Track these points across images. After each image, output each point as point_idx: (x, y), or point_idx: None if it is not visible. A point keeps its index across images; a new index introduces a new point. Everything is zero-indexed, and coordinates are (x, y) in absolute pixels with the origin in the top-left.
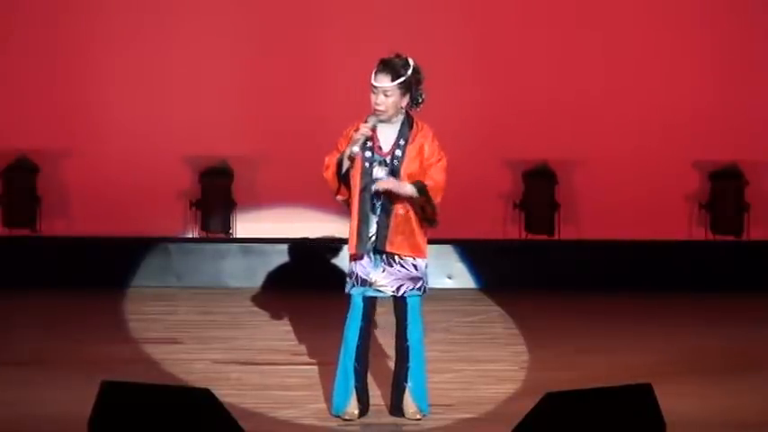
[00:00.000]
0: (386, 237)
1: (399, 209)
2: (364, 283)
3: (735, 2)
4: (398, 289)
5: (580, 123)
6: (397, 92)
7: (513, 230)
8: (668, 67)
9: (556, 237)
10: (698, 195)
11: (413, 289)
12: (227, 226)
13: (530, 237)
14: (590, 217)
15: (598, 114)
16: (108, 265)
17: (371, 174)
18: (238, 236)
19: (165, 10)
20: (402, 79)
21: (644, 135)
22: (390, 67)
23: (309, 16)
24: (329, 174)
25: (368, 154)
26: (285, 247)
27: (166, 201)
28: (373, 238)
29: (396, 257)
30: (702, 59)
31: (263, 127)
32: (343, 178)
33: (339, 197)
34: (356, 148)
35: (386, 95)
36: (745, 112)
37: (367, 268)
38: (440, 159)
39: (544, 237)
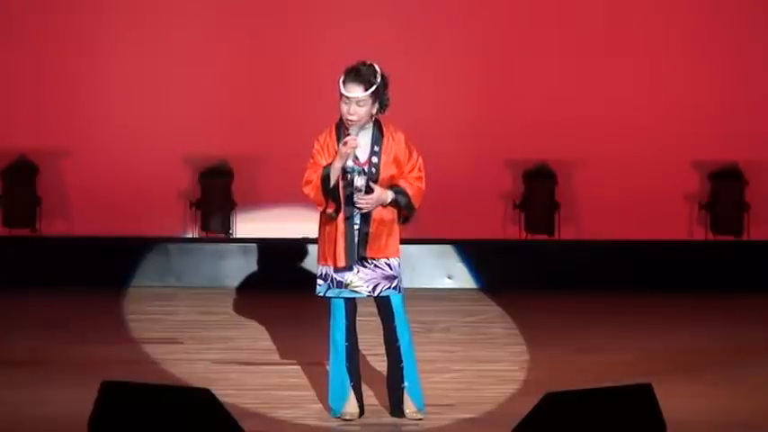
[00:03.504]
0: (365, 242)
1: (377, 213)
2: (339, 284)
3: (735, 2)
4: (374, 289)
5: (580, 123)
6: (369, 101)
7: (513, 230)
8: (668, 68)
9: (556, 237)
10: (698, 195)
11: (389, 288)
12: (226, 226)
13: (530, 237)
14: (590, 217)
15: (598, 114)
16: (108, 265)
17: (353, 184)
18: (238, 236)
19: (164, 10)
20: (374, 88)
21: (644, 135)
22: (361, 76)
23: (310, 16)
24: (312, 188)
25: (348, 164)
26: (285, 247)
27: (166, 201)
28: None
29: (368, 260)
30: (702, 59)
31: (263, 127)
32: (332, 191)
33: (329, 210)
34: (350, 162)
35: (358, 105)
36: (746, 112)
37: (335, 271)
38: (416, 162)
39: (544, 237)
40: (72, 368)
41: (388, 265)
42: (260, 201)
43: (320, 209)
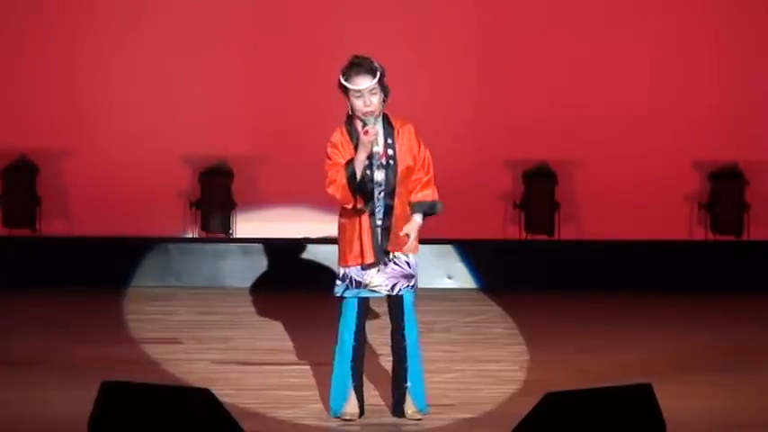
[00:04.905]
0: (388, 237)
1: (397, 209)
2: (359, 284)
3: (735, 2)
4: (393, 288)
5: (580, 123)
6: (378, 88)
7: (513, 230)
8: (668, 67)
9: (556, 237)
10: (698, 195)
11: (407, 287)
12: (226, 226)
13: (530, 237)
14: (590, 217)
15: (598, 114)
16: (108, 265)
17: (373, 179)
18: (238, 236)
19: (164, 10)
20: (379, 74)
21: (644, 135)
22: (365, 66)
23: (310, 16)
24: (338, 187)
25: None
26: (285, 247)
27: (166, 201)
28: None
29: (389, 255)
30: (703, 59)
31: (263, 127)
32: (360, 185)
33: (358, 206)
34: (377, 149)
35: (372, 94)
36: (746, 112)
37: (361, 269)
38: (424, 158)
39: (544, 237)
40: (72, 368)
41: (407, 263)
42: (260, 201)
43: (349, 206)
